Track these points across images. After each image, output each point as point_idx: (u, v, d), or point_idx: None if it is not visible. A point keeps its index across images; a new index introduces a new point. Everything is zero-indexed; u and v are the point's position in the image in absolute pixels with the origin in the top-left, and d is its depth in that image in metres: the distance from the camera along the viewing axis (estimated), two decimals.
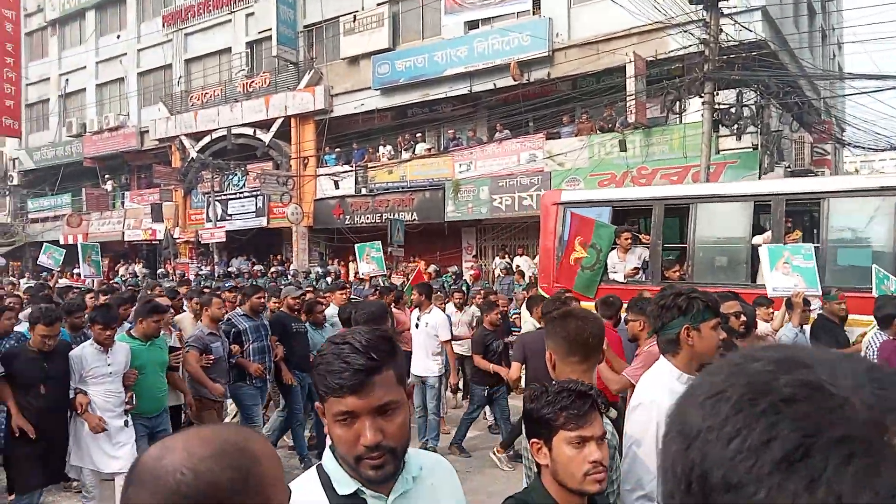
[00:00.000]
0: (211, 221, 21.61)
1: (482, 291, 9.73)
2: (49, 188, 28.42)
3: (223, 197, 21.79)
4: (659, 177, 13.90)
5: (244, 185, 21.61)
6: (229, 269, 19.87)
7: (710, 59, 12.33)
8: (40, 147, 28.58)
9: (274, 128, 20.74)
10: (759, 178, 12.54)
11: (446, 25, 17.96)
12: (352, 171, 19.15)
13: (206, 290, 9.12)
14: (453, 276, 15.07)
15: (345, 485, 1.33)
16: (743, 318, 4.77)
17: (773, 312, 6.21)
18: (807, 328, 6.02)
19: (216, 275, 19.64)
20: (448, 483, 1.51)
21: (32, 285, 12.69)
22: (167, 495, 0.75)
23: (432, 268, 15.90)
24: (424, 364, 6.95)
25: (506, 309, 8.80)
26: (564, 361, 2.29)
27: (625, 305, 5.12)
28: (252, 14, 22.10)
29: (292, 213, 19.56)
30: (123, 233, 24.58)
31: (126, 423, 4.97)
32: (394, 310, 7.23)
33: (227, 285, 13.01)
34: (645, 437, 2.19)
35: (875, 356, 4.82)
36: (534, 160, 15.97)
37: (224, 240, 21.26)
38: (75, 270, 21.66)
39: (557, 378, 2.20)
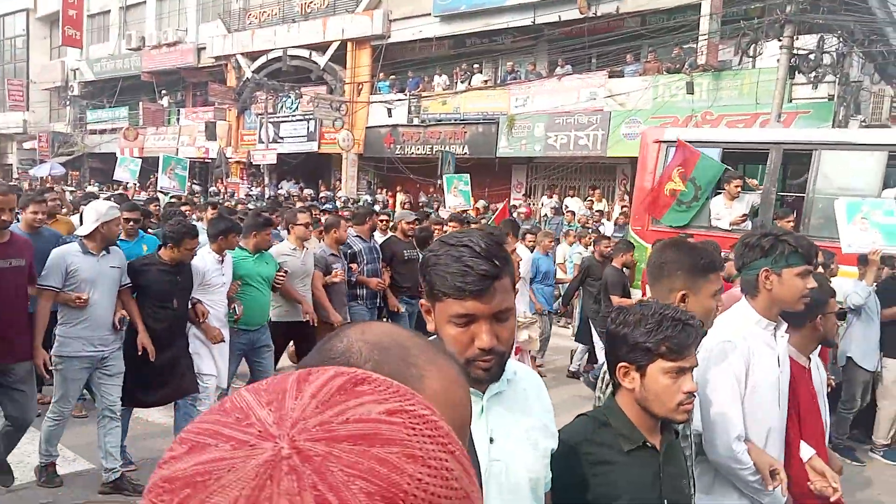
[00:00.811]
0: (263, 143, 21.75)
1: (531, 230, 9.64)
2: (107, 100, 28.89)
3: (276, 119, 21.83)
4: (724, 123, 13.33)
5: (297, 108, 21.57)
6: (279, 192, 20.07)
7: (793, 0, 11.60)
8: (100, 59, 28.91)
9: (330, 51, 20.49)
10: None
11: None
12: (405, 99, 18.91)
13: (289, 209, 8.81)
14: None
15: None
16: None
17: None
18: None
19: (266, 196, 19.88)
20: (537, 390, 1.54)
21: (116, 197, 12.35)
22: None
23: (481, 203, 15.76)
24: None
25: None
26: (701, 292, 2.10)
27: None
28: None
29: (343, 139, 19.50)
30: (177, 150, 24.91)
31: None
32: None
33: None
34: (720, 379, 2.11)
35: None
36: (593, 98, 15.48)
37: (275, 162, 21.42)
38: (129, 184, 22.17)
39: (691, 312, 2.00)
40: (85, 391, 4.88)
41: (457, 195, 12.42)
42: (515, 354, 6.52)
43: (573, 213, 13.28)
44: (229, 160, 23.15)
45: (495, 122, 16.84)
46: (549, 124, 15.91)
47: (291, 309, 5.68)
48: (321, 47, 20.70)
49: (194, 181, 22.55)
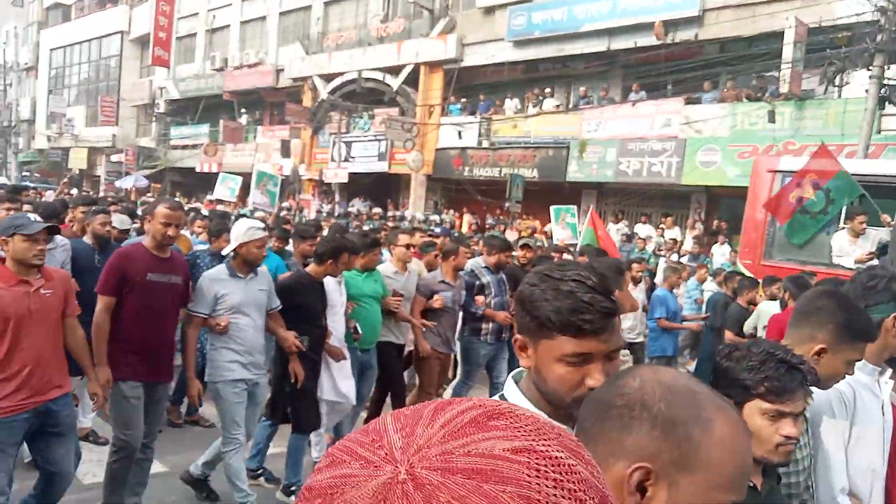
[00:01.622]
0: (335, 161, 22.29)
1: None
2: (190, 118, 30.25)
3: (348, 139, 22.37)
4: (808, 153, 12.87)
5: (369, 128, 22.06)
6: (349, 209, 20.49)
7: (884, 28, 11.18)
8: (185, 78, 30.35)
9: (403, 74, 20.92)
10: None
11: None
12: (476, 122, 19.07)
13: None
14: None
15: None
16: None
17: None
18: None
19: (336, 213, 20.34)
20: None
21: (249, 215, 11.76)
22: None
23: (549, 227, 15.68)
24: None
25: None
26: (839, 354, 1.96)
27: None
28: None
29: (413, 160, 19.80)
30: (253, 165, 25.75)
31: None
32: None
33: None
34: (826, 428, 2.04)
35: None
36: (668, 125, 15.24)
37: (346, 180, 21.90)
38: (209, 196, 23.10)
39: (821, 369, 1.92)
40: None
41: (564, 227, 11.94)
42: None
43: (644, 241, 13.04)
44: (302, 177, 23.81)
45: (566, 146, 16.78)
46: (621, 150, 15.74)
47: (390, 330, 5.45)
48: (395, 70, 21.16)
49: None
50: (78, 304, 3.51)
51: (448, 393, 6.26)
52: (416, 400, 5.31)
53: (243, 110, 28.24)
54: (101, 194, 23.06)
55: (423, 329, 5.52)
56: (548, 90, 18.41)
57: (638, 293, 7.47)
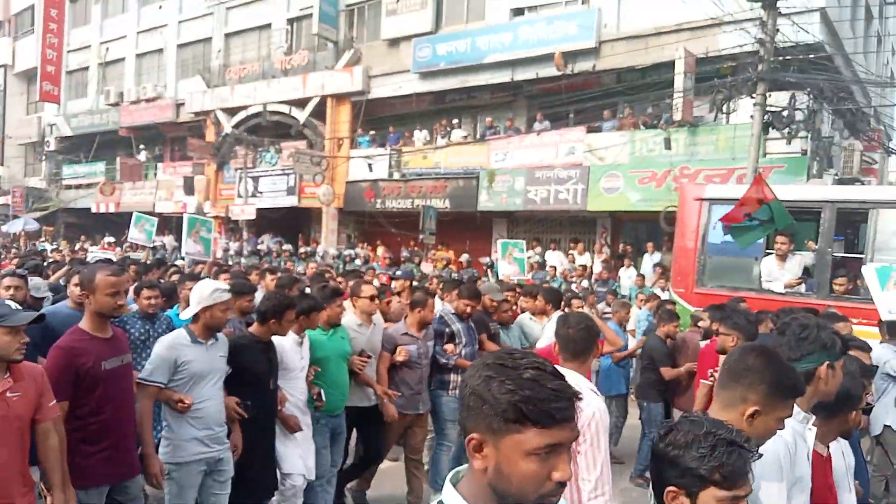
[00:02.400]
0: (242, 198, 21.63)
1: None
2: (84, 155, 28.70)
3: (255, 173, 21.78)
4: (702, 177, 13.52)
5: (276, 162, 21.58)
6: (258, 247, 19.87)
7: (764, 59, 11.93)
8: (77, 114, 28.83)
9: (310, 107, 20.63)
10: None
11: (491, 10, 17.64)
12: (386, 154, 19.00)
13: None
14: (487, 267, 14.86)
15: None
16: None
17: None
18: None
19: (244, 252, 19.67)
20: None
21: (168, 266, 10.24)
22: None
23: (464, 258, 15.73)
24: None
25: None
26: (772, 414, 1.92)
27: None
28: None
29: (324, 193, 19.47)
30: (154, 204, 24.71)
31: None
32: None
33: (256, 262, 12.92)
34: (772, 489, 2.00)
35: None
36: (572, 153, 15.66)
37: (254, 217, 21.25)
38: (107, 239, 21.89)
39: (753, 430, 1.88)
40: None
41: (511, 262, 11.50)
42: None
43: (555, 268, 13.26)
44: (207, 215, 22.94)
45: (475, 176, 16.94)
46: (528, 178, 16.03)
47: (358, 392, 4.99)
48: (301, 103, 20.84)
49: (165, 235, 22.27)
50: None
51: (427, 459, 5.73)
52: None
53: (142, 146, 27.08)
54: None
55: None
56: (455, 121, 18.60)
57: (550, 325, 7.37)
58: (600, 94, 15.50)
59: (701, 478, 1.53)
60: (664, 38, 14.45)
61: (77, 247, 20.56)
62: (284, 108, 21.36)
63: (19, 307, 2.90)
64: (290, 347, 4.30)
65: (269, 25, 22.87)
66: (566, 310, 6.44)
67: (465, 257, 15.77)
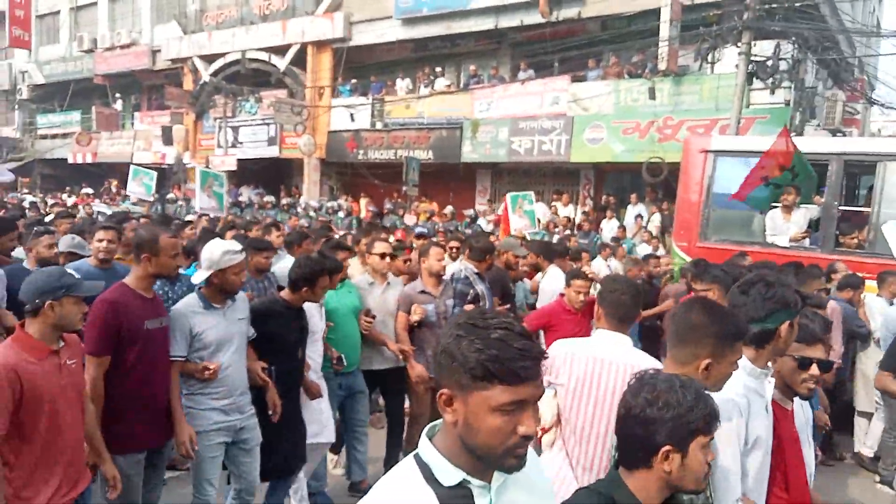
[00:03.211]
0: (222, 148, 21.30)
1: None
2: (58, 104, 27.96)
3: (235, 123, 21.40)
4: (685, 128, 13.50)
5: (256, 112, 21.18)
6: (239, 199, 19.67)
7: (750, 7, 11.78)
8: (50, 61, 27.98)
9: (290, 54, 20.15)
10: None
11: None
12: (368, 103, 18.70)
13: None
14: (470, 220, 14.86)
15: (449, 475, 1.29)
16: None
17: None
18: None
19: (226, 203, 19.45)
20: (539, 472, 1.48)
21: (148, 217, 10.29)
22: None
23: (448, 209, 15.70)
24: None
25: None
26: (724, 361, 2.03)
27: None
28: None
29: (305, 144, 19.21)
30: (133, 154, 24.28)
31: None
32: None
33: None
34: (724, 441, 2.05)
35: None
36: (556, 103, 15.51)
37: (234, 168, 20.99)
38: (85, 190, 21.55)
39: (711, 380, 1.97)
40: None
41: (522, 216, 10.98)
42: None
43: (539, 220, 13.27)
44: (187, 166, 22.60)
45: (459, 126, 16.77)
46: (512, 129, 15.90)
47: (375, 355, 4.76)
48: (281, 50, 20.35)
49: None
50: None
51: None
52: (412, 434, 4.88)
53: (118, 95, 26.44)
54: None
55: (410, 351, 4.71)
56: (438, 69, 18.28)
57: None
58: (585, 43, 15.29)
59: (692, 430, 1.58)
60: None
61: (70, 201, 20.16)
62: (264, 56, 20.85)
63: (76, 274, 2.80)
64: (314, 310, 4.10)
65: None
66: (574, 265, 6.26)
67: (448, 209, 15.73)
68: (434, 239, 7.79)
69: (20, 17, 27.97)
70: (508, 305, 5.53)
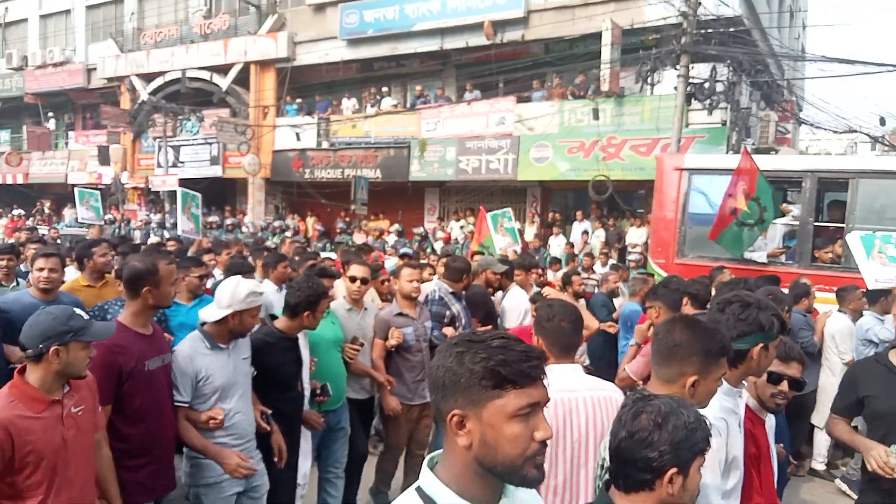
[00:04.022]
0: (162, 168, 20.73)
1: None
2: None
3: (176, 143, 20.88)
4: (628, 147, 13.88)
5: (198, 131, 20.72)
6: None
7: (687, 31, 12.26)
8: None
9: (232, 73, 19.84)
10: (727, 154, 12.64)
11: None
12: (314, 123, 18.55)
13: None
14: (420, 238, 14.84)
15: None
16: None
17: None
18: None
19: (167, 224, 18.92)
20: (539, 502, 1.46)
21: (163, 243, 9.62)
22: None
23: (395, 227, 15.66)
24: None
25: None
26: (710, 377, 2.01)
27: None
28: None
29: (249, 163, 18.88)
30: (67, 175, 23.38)
31: None
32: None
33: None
34: (706, 465, 2.06)
35: None
36: (502, 123, 15.73)
37: (176, 188, 20.41)
38: (16, 212, 20.61)
39: (697, 398, 1.96)
40: None
41: (504, 234, 10.91)
42: None
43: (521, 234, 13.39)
44: (126, 186, 21.90)
45: (406, 146, 16.79)
46: (460, 148, 16.02)
47: (352, 383, 4.46)
48: (223, 69, 20.01)
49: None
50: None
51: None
52: (384, 462, 4.70)
53: (50, 114, 25.47)
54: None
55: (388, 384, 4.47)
56: (385, 89, 18.30)
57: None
58: (530, 64, 15.57)
59: (696, 451, 1.58)
60: (591, 10, 14.58)
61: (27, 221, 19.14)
62: (205, 75, 20.46)
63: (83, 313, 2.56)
64: (302, 340, 3.83)
65: None
66: (568, 288, 6.13)
67: (395, 228, 15.69)
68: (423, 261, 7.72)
69: None
70: (490, 326, 5.35)
